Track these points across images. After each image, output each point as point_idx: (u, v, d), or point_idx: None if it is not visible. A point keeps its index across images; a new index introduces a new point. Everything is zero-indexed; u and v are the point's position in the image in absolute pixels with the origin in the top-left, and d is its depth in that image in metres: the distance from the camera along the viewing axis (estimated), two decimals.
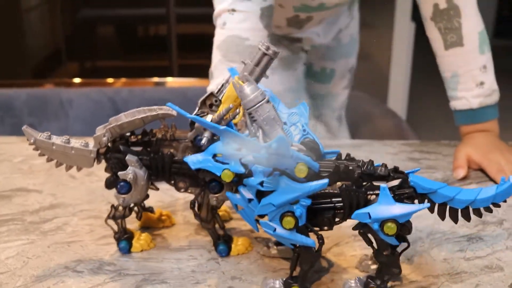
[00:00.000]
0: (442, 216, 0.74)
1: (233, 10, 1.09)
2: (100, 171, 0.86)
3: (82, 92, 1.89)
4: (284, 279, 0.75)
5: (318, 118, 1.62)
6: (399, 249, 0.76)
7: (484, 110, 1.16)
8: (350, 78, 1.61)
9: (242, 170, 0.69)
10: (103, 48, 3.73)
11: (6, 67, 3.10)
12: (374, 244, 0.73)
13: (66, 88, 1.96)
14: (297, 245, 0.73)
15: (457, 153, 1.16)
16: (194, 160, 0.71)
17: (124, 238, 0.85)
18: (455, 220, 0.74)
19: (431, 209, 0.73)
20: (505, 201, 0.72)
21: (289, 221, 0.69)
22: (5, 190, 1.06)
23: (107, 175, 0.83)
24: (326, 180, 0.68)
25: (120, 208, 0.83)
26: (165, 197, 1.00)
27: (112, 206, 0.84)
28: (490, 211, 0.73)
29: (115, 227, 0.85)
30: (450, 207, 0.73)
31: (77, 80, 2.44)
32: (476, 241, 0.88)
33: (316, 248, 0.73)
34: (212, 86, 1.09)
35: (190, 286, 0.77)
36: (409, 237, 0.88)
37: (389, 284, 0.76)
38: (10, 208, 0.99)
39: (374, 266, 0.79)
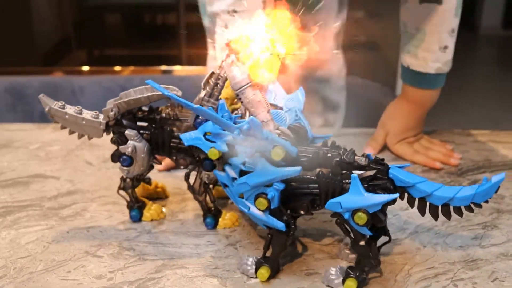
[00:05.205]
0: (422, 212, 0.73)
1: (234, 11, 0.98)
2: None
3: (94, 80, 1.89)
4: (256, 258, 0.77)
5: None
6: (379, 243, 0.76)
7: (437, 77, 1.12)
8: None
9: (225, 149, 0.71)
10: (112, 36, 3.74)
11: (15, 55, 3.11)
12: (352, 234, 0.73)
13: (77, 76, 1.97)
14: (271, 228, 0.75)
15: (379, 130, 1.18)
16: (187, 137, 0.74)
17: (135, 207, 0.90)
18: (435, 217, 0.73)
19: (410, 204, 0.73)
20: (486, 202, 0.70)
21: (261, 202, 0.72)
22: (22, 176, 1.07)
23: None
24: (299, 168, 0.70)
25: (128, 179, 0.89)
26: (181, 184, 1.01)
27: (121, 178, 0.89)
28: (471, 210, 0.71)
29: (127, 197, 0.91)
30: (429, 203, 0.72)
31: (85, 68, 2.45)
32: (491, 229, 0.89)
33: (289, 233, 0.74)
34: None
35: (209, 271, 0.78)
36: (423, 223, 0.89)
37: (407, 268, 0.77)
38: (28, 194, 1.00)
39: (353, 256, 0.80)
